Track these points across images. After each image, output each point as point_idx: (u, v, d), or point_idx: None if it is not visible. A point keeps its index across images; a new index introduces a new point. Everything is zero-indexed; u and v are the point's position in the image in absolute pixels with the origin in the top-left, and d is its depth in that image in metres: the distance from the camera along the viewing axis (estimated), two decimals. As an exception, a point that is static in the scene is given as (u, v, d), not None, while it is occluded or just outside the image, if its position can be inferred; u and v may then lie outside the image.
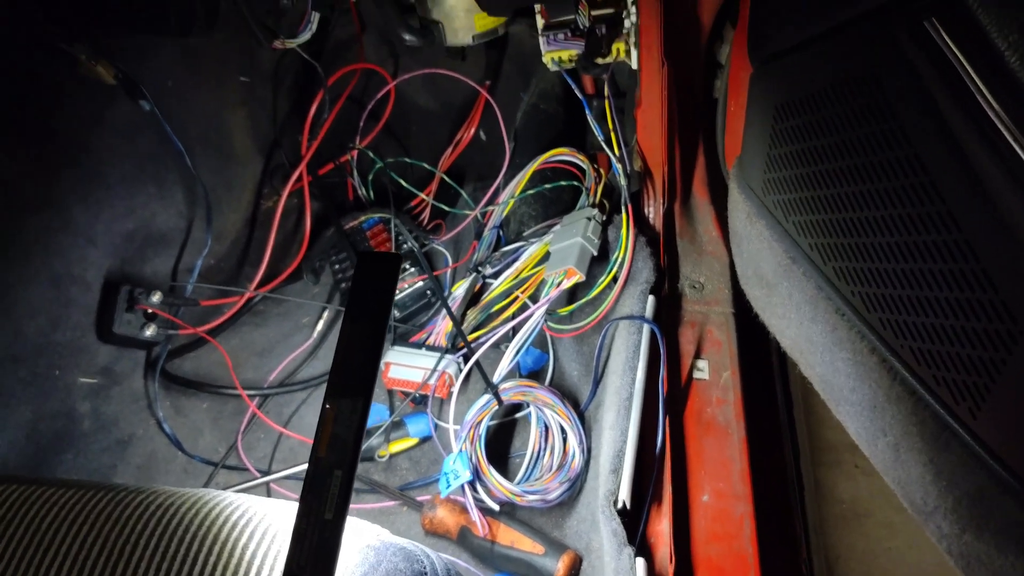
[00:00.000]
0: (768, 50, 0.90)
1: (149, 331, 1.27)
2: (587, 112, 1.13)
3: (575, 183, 1.33)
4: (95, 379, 1.28)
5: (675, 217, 1.19)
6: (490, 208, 1.38)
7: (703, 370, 1.07)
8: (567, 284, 1.14)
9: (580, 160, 1.29)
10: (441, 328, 1.25)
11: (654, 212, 1.18)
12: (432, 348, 1.22)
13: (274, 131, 1.69)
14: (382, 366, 1.23)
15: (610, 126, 1.12)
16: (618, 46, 1.10)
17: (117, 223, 1.36)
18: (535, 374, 1.27)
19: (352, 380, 0.69)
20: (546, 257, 1.27)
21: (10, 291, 1.21)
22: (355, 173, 1.52)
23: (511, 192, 1.36)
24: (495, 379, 1.13)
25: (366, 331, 0.70)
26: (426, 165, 1.47)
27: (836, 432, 1.44)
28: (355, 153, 1.52)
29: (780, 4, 0.84)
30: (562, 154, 1.31)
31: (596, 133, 1.13)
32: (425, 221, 1.46)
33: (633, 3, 1.04)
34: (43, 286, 1.25)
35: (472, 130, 1.48)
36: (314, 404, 1.32)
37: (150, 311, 1.28)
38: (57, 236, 1.28)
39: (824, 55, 0.78)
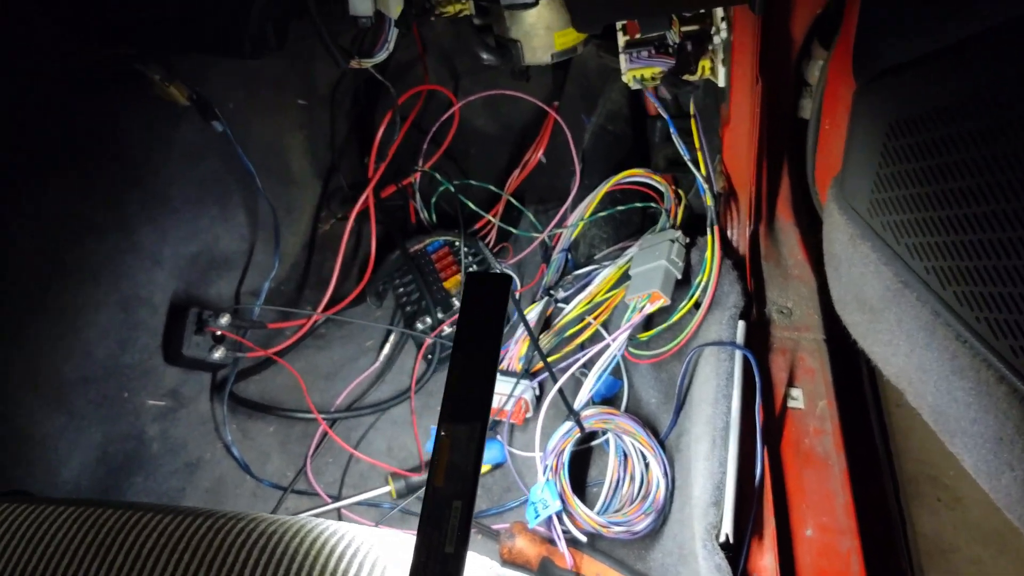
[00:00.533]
0: (879, 66, 0.86)
1: (218, 353, 1.25)
2: (672, 131, 1.10)
3: (649, 204, 1.31)
4: (163, 401, 1.26)
5: (760, 239, 1.16)
6: (558, 231, 1.35)
7: (798, 399, 1.03)
8: (650, 308, 1.11)
9: (657, 181, 1.26)
10: (514, 352, 1.22)
11: (738, 234, 1.15)
12: (507, 373, 1.19)
13: (332, 154, 1.68)
14: (456, 391, 1.20)
15: (696, 145, 1.09)
16: (704, 63, 1.07)
17: (182, 245, 1.35)
18: (608, 401, 1.24)
19: (467, 405, 0.66)
20: (621, 281, 1.24)
21: (81, 313, 1.20)
22: (417, 196, 1.50)
23: (581, 214, 1.34)
24: (576, 406, 1.10)
25: (478, 354, 0.67)
26: (492, 187, 1.45)
27: (916, 464, 1.39)
28: (418, 175, 1.50)
29: (894, 19, 0.81)
30: (636, 175, 1.29)
31: (682, 153, 1.10)
32: (491, 244, 1.43)
33: (723, 19, 1.01)
34: (112, 308, 1.24)
35: (540, 152, 1.46)
36: (382, 428, 1.29)
37: (219, 333, 1.26)
38: (125, 258, 1.27)
39: (948, 70, 0.75)
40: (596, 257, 1.31)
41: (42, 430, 1.13)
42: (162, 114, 1.35)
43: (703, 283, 1.12)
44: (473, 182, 1.47)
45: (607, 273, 1.24)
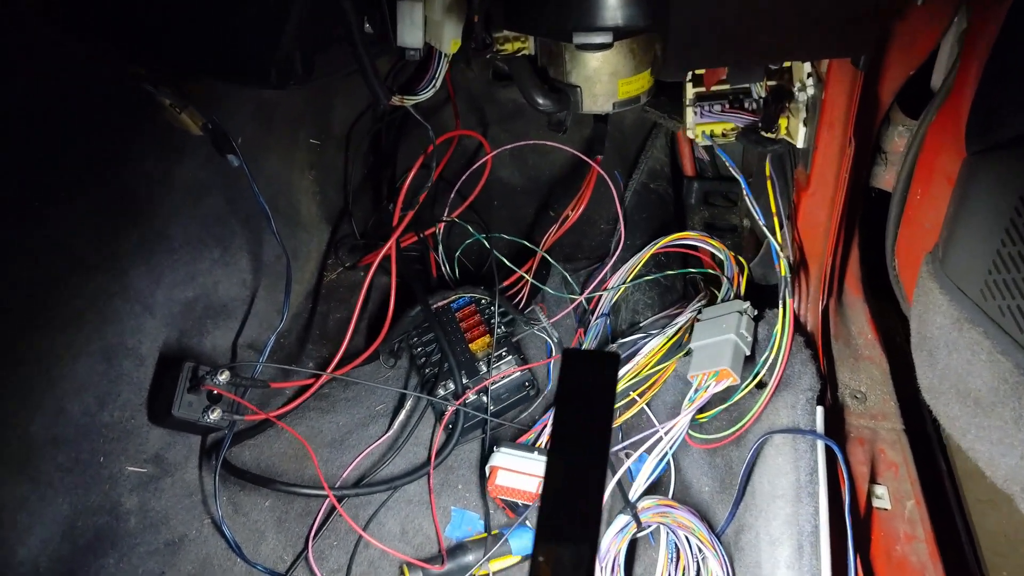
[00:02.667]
0: (1005, 135, 0.77)
1: (214, 415, 1.10)
2: (746, 192, 1.00)
3: (706, 271, 1.20)
4: (144, 468, 1.11)
5: (828, 316, 1.05)
6: (597, 293, 1.24)
7: (883, 498, 0.91)
8: (718, 388, 0.99)
9: (714, 246, 1.15)
10: (553, 429, 1.08)
11: (807, 309, 1.05)
12: (545, 452, 1.06)
13: (343, 199, 1.56)
14: (487, 470, 1.07)
15: (773, 209, 0.99)
16: (781, 121, 0.98)
17: (177, 290, 1.21)
18: (651, 486, 1.11)
19: (572, 521, 0.53)
20: (670, 353, 1.12)
21: (58, 363, 1.05)
22: (440, 248, 1.38)
23: (623, 277, 1.23)
24: (632, 496, 0.97)
25: (584, 454, 0.54)
26: (526, 243, 1.33)
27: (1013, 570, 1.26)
28: (441, 226, 1.38)
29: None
30: (688, 238, 1.18)
31: (756, 216, 1.00)
32: (522, 303, 1.31)
33: (810, 75, 0.92)
34: (94, 358, 1.09)
35: (580, 208, 1.35)
36: (395, 508, 1.14)
37: (215, 392, 1.11)
38: (113, 302, 1.12)
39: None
40: (641, 324, 1.20)
41: (1, 499, 0.97)
42: (167, 143, 1.23)
43: (770, 361, 1.00)
44: (505, 236, 1.35)
45: (655, 343, 1.12)
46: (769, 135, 0.95)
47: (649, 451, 1.10)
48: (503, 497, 1.06)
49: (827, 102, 0.90)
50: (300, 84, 1.05)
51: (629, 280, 1.22)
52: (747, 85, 0.97)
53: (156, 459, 1.12)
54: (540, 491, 1.02)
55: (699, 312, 1.10)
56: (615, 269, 1.25)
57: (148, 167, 1.20)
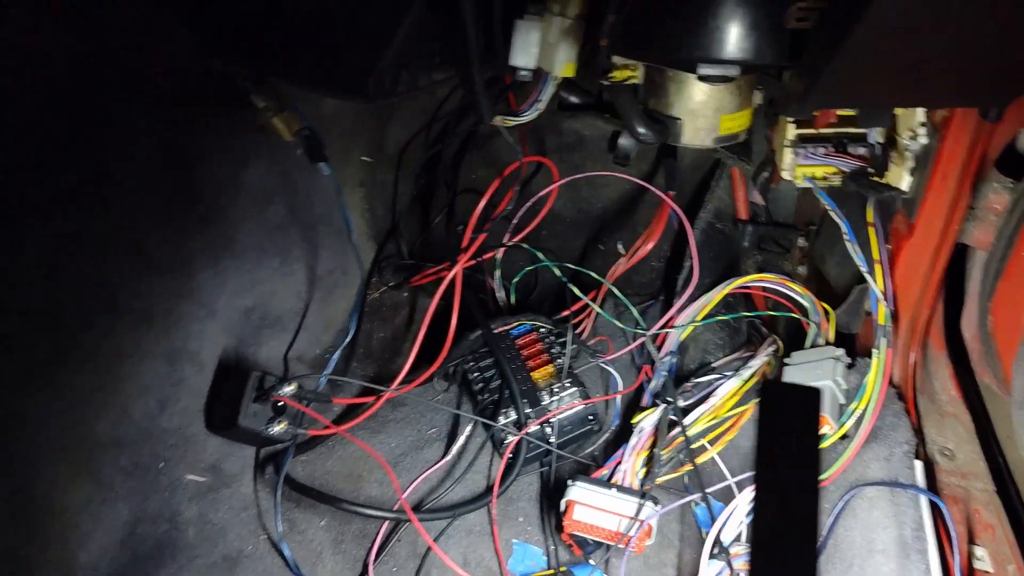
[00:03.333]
0: None
1: (278, 427, 1.06)
2: (849, 237, 0.99)
3: (788, 314, 1.19)
4: (204, 477, 1.06)
5: (915, 370, 1.05)
6: (665, 330, 1.22)
7: (983, 559, 0.90)
8: (813, 433, 0.97)
9: (797, 291, 1.15)
10: (630, 465, 1.06)
11: (898, 361, 1.04)
12: (626, 490, 1.03)
13: (392, 218, 1.54)
14: (563, 504, 1.04)
15: (876, 256, 0.98)
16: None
17: (239, 297, 1.18)
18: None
19: (787, 566, 0.50)
20: (747, 396, 1.10)
21: (125, 362, 1.01)
22: (497, 273, 1.36)
23: (693, 315, 1.21)
24: (726, 540, 0.94)
25: (795, 494, 0.52)
26: (594, 275, 1.31)
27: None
28: (502, 251, 1.36)
29: None
30: (768, 280, 1.18)
31: (859, 263, 0.99)
32: (585, 335, 1.29)
33: (923, 124, 0.92)
34: (158, 360, 1.05)
35: (652, 243, 1.34)
36: (456, 537, 1.10)
37: (280, 403, 1.07)
38: (180, 304, 1.09)
39: None
40: (713, 365, 1.18)
41: (64, 500, 0.93)
42: (236, 146, 1.20)
43: (860, 411, 0.99)
44: (571, 265, 1.33)
45: (731, 385, 1.11)
46: (882, 180, 0.95)
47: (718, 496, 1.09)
48: (577, 533, 1.03)
49: (944, 153, 0.90)
50: (386, 99, 1.03)
51: (700, 319, 1.20)
52: (860, 130, 0.97)
53: (214, 469, 1.08)
54: (620, 529, 1.00)
55: (785, 356, 1.09)
56: (683, 308, 1.23)
57: (218, 169, 1.17)
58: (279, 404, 1.07)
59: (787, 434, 0.53)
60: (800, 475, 0.52)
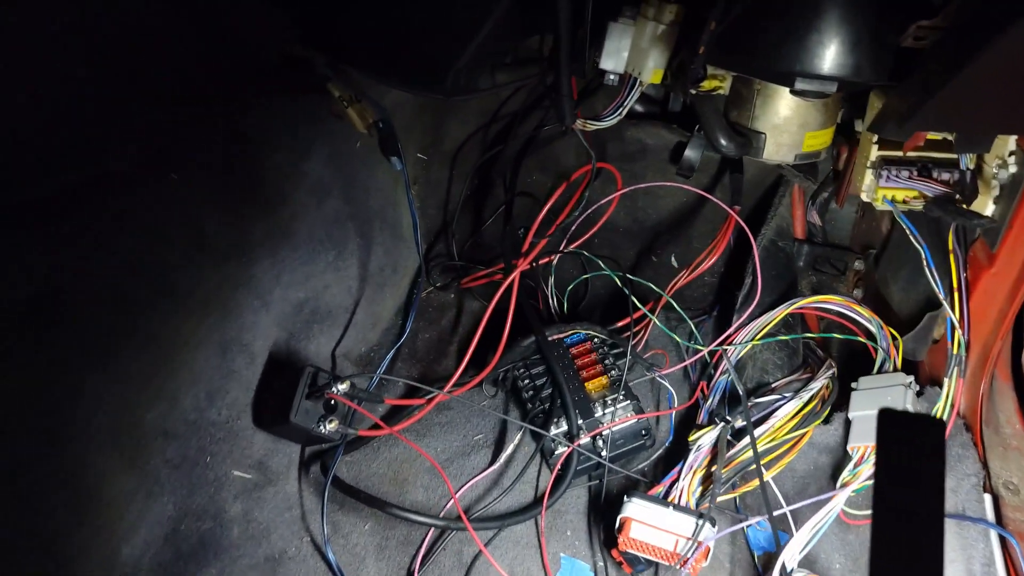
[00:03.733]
0: None
1: (330, 426, 1.03)
2: (929, 263, 0.96)
3: (853, 337, 1.16)
4: (249, 474, 1.04)
5: (982, 401, 1.02)
6: (723, 347, 1.20)
7: (1055, 599, 0.87)
8: (883, 463, 0.95)
9: (864, 315, 1.12)
10: (687, 484, 1.04)
11: (966, 391, 1.01)
12: (682, 509, 1.00)
13: (443, 217, 1.52)
14: (618, 520, 1.01)
15: (955, 284, 0.96)
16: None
17: (293, 289, 1.16)
18: (770, 557, 1.06)
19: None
20: (807, 419, 1.08)
21: (180, 350, 0.99)
22: (552, 279, 1.33)
23: (752, 334, 1.19)
24: (788, 567, 0.92)
25: (915, 535, 0.49)
26: (653, 286, 1.29)
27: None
28: (556, 257, 1.34)
29: None
30: (832, 302, 1.15)
31: (937, 290, 0.97)
32: (640, 347, 1.27)
33: (1012, 153, 0.89)
34: (212, 349, 1.03)
35: (715, 257, 1.31)
36: (502, 548, 1.08)
37: (332, 401, 1.05)
38: (237, 293, 1.07)
39: None
40: (773, 385, 1.16)
41: (112, 490, 0.90)
42: (298, 137, 1.18)
43: (927, 441, 0.96)
44: (632, 277, 1.31)
45: (791, 407, 1.08)
46: (969, 208, 0.93)
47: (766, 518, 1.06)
48: (630, 551, 1.00)
49: (1035, 182, 0.87)
50: (462, 97, 1.02)
51: (759, 338, 1.18)
52: (947, 155, 0.94)
53: (260, 466, 1.05)
54: (677, 549, 0.97)
55: (845, 380, 1.07)
56: (742, 325, 1.20)
57: (280, 158, 1.16)
58: (331, 402, 1.05)
59: (908, 472, 0.50)
60: (925, 510, 0.49)
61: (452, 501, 1.07)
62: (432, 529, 1.07)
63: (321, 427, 1.04)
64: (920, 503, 0.49)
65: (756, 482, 1.06)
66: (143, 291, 0.96)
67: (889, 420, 0.52)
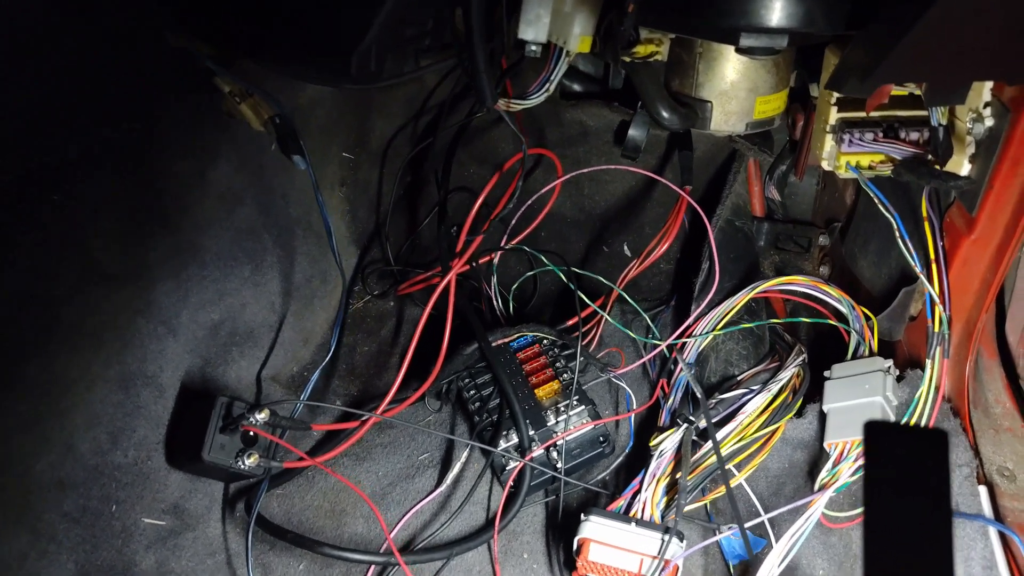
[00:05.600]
0: None
1: (250, 461, 0.92)
2: (902, 233, 0.87)
3: (810, 320, 1.07)
4: (162, 520, 0.93)
5: (968, 380, 0.93)
6: (682, 340, 1.10)
7: (1063, 597, 0.78)
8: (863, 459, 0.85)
9: (832, 295, 1.03)
10: (649, 495, 0.94)
11: (949, 371, 0.92)
12: (645, 524, 0.90)
13: (375, 220, 1.40)
14: (576, 542, 0.91)
15: (931, 256, 0.86)
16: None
17: (204, 311, 1.05)
18: (746, 565, 0.96)
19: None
20: (777, 414, 0.99)
21: (70, 390, 0.88)
22: (494, 279, 1.23)
23: (713, 323, 1.09)
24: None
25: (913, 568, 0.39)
26: (603, 279, 1.18)
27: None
28: (497, 255, 1.23)
29: None
30: (797, 283, 1.06)
31: (912, 262, 0.87)
32: (594, 346, 1.16)
33: (988, 104, 0.80)
34: (110, 386, 0.92)
35: (667, 244, 1.21)
36: (453, 579, 0.97)
37: (251, 433, 0.94)
38: (136, 321, 0.96)
39: None
40: (739, 378, 1.06)
41: (-4, 554, 0.79)
42: (200, 141, 1.07)
43: (910, 429, 0.87)
44: (578, 270, 1.20)
45: (759, 401, 0.99)
46: (943, 169, 0.83)
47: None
48: (592, 575, 0.90)
49: (1016, 135, 0.78)
50: (371, 84, 0.91)
51: (721, 327, 1.08)
52: (915, 113, 0.85)
53: (175, 510, 0.94)
54: (642, 571, 0.87)
55: (815, 366, 0.97)
56: (702, 314, 1.11)
57: (180, 165, 1.04)
58: (250, 434, 0.94)
59: (905, 495, 0.40)
60: (924, 551, 0.39)
61: (390, 537, 0.95)
62: (376, 569, 0.96)
63: (240, 463, 0.92)
64: (918, 540, 0.39)
65: (731, 483, 0.97)
66: (19, 328, 0.84)
67: (876, 435, 0.42)
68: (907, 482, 0.40)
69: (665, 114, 0.89)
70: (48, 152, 0.90)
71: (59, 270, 0.88)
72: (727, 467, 0.97)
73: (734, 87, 0.88)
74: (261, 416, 0.94)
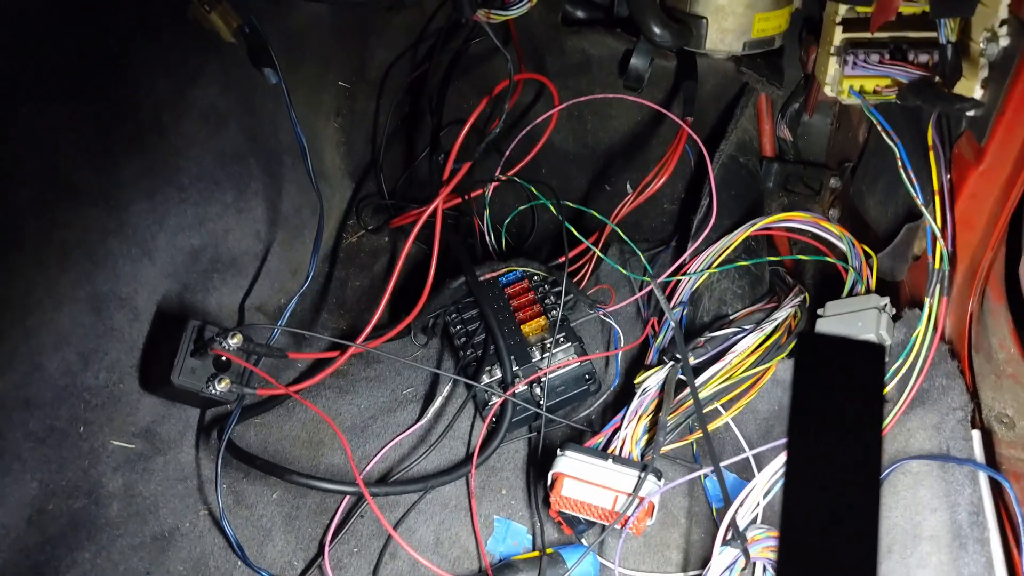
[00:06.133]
0: None
1: (221, 385, 0.90)
2: (904, 163, 0.81)
3: (807, 258, 1.02)
4: (132, 444, 0.92)
5: (971, 323, 0.88)
6: (676, 278, 1.06)
7: (1056, 549, 0.74)
8: (851, 398, 0.81)
9: (833, 232, 0.98)
10: (629, 432, 0.90)
11: (951, 312, 0.87)
12: (623, 461, 0.87)
13: (372, 151, 1.37)
14: (550, 477, 0.88)
15: (935, 187, 0.81)
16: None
17: (183, 235, 1.02)
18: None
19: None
20: (769, 354, 0.94)
21: (36, 309, 0.86)
22: (487, 213, 1.19)
23: (708, 261, 1.05)
24: (741, 524, 0.79)
25: (839, 485, 0.36)
26: (596, 214, 1.14)
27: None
28: (492, 187, 1.19)
29: None
30: (795, 219, 1.01)
31: (915, 194, 0.82)
32: (585, 283, 1.13)
33: (1004, 22, 0.74)
34: (79, 307, 0.90)
35: (664, 178, 1.16)
36: (428, 512, 0.95)
37: (224, 358, 0.92)
38: (107, 241, 0.93)
39: None
40: (731, 317, 1.02)
41: (-45, 472, 0.78)
42: (182, 56, 1.03)
43: (904, 370, 0.83)
44: (571, 204, 1.16)
45: (750, 341, 0.95)
46: (953, 92, 0.77)
47: (732, 468, 0.94)
48: (565, 511, 0.87)
49: (1027, 55, 0.72)
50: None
51: (716, 265, 1.04)
52: (923, 34, 0.79)
53: (146, 433, 0.93)
54: (616, 507, 0.85)
55: (818, 307, 0.93)
56: (697, 252, 1.06)
57: (159, 84, 1.01)
58: (222, 359, 0.92)
59: (831, 409, 0.37)
60: (850, 466, 0.35)
61: (356, 468, 0.93)
62: (347, 496, 0.94)
63: (211, 388, 0.91)
64: (844, 455, 0.35)
65: (716, 423, 0.94)
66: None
67: (811, 345, 0.38)
68: (829, 397, 0.36)
69: (657, 30, 0.84)
70: (18, 68, 0.87)
71: (25, 181, 0.86)
72: (715, 405, 0.94)
73: (731, 2, 0.82)
74: (234, 341, 0.91)
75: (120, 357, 0.93)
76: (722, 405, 0.95)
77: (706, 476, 0.93)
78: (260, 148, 1.14)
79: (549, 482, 0.88)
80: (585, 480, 0.85)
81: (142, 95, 0.98)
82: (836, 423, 0.35)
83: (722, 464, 0.90)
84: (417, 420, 1.03)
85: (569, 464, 0.86)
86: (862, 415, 0.36)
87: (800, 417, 0.35)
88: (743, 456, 0.91)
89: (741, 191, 1.13)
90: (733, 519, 0.79)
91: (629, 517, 0.83)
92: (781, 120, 1.27)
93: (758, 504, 0.82)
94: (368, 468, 0.98)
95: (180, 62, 1.03)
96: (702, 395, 0.92)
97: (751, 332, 0.96)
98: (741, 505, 0.82)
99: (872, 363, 0.38)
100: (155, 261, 0.98)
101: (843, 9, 0.82)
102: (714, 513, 0.94)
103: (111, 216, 0.93)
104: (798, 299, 1.00)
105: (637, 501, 0.83)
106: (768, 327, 0.96)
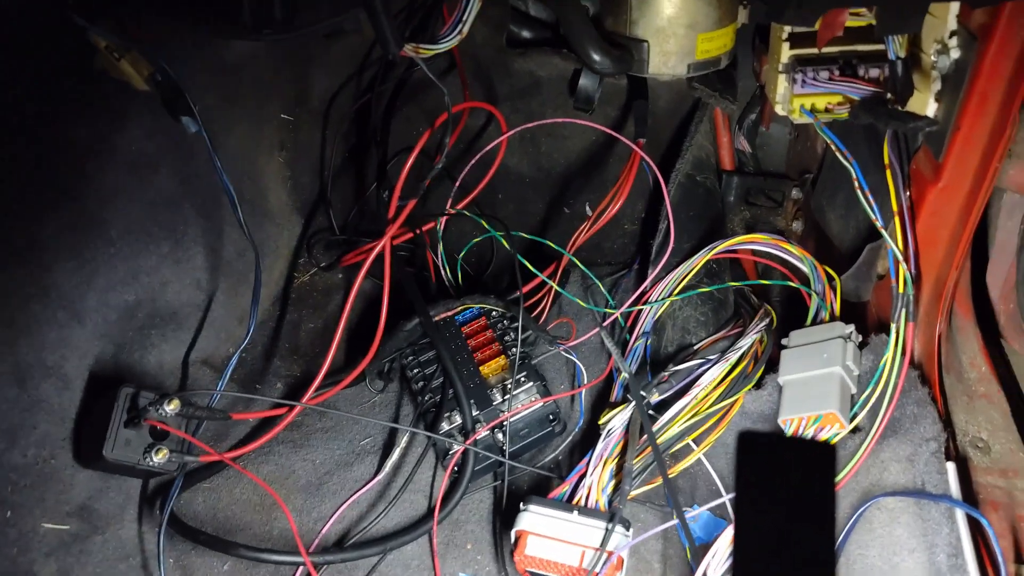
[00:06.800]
0: None
1: (158, 456, 0.85)
2: (862, 185, 0.78)
3: (770, 283, 0.99)
4: (66, 524, 0.86)
5: (940, 344, 0.85)
6: (637, 307, 1.02)
7: (1040, 583, 0.70)
8: (823, 435, 0.77)
9: (794, 253, 0.94)
10: (595, 479, 0.86)
11: (919, 335, 0.83)
12: (589, 512, 0.83)
13: (319, 186, 1.32)
14: (513, 535, 0.84)
15: (894, 207, 0.77)
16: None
17: (115, 292, 0.97)
18: (707, 548, 0.89)
19: None
20: (736, 384, 0.90)
21: (-47, 385, 0.80)
22: (440, 247, 1.14)
23: (670, 288, 1.01)
24: (718, 568, 0.75)
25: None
26: (551, 244, 1.10)
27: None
28: (443, 220, 1.15)
29: None
30: (757, 241, 0.97)
31: (873, 216, 0.78)
32: (545, 316, 1.08)
33: (954, 34, 0.71)
34: (2, 380, 0.84)
35: (620, 203, 1.12)
36: (390, 573, 0.90)
37: (159, 428, 0.87)
38: (29, 306, 0.88)
39: None
40: (695, 347, 0.98)
41: None
42: (105, 103, 0.98)
43: (873, 399, 0.79)
44: (525, 234, 1.12)
45: (716, 372, 0.91)
46: (906, 110, 0.74)
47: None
48: (532, 570, 0.83)
49: (984, 68, 0.68)
50: (277, 34, 0.81)
51: (677, 292, 1.00)
52: (874, 47, 0.75)
53: (82, 511, 0.87)
54: (584, 564, 0.80)
55: (783, 336, 0.89)
56: (658, 279, 1.02)
57: (80, 132, 0.96)
58: (158, 428, 0.86)
59: (778, 510, 0.32)
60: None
61: (299, 540, 0.87)
62: (303, 567, 0.89)
63: (148, 460, 0.85)
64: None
65: (687, 462, 0.90)
66: None
67: (750, 447, 0.34)
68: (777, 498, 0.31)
69: (596, 57, 0.80)
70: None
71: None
72: (687, 441, 0.90)
73: (672, 23, 0.78)
74: (171, 407, 0.86)
75: (50, 430, 0.88)
76: (694, 440, 0.91)
77: (675, 520, 0.89)
78: (195, 192, 1.08)
79: (512, 540, 0.83)
80: (550, 536, 0.80)
81: (64, 145, 0.93)
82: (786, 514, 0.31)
83: (695, 503, 0.86)
84: (375, 474, 0.98)
85: (532, 521, 0.82)
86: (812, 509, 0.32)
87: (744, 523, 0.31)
88: (719, 500, 0.87)
89: (700, 210, 1.09)
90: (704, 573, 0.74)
91: (598, 574, 0.78)
92: (739, 132, 1.24)
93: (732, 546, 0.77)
94: (324, 530, 0.93)
95: (103, 106, 0.98)
96: (668, 433, 0.88)
97: (716, 363, 0.92)
98: (715, 556, 0.77)
99: (823, 462, 0.33)
100: (84, 323, 0.93)
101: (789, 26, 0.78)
102: (689, 556, 0.90)
103: (32, 279, 0.87)
104: (764, 322, 0.96)
105: (605, 556, 0.78)
106: (733, 356, 0.92)
